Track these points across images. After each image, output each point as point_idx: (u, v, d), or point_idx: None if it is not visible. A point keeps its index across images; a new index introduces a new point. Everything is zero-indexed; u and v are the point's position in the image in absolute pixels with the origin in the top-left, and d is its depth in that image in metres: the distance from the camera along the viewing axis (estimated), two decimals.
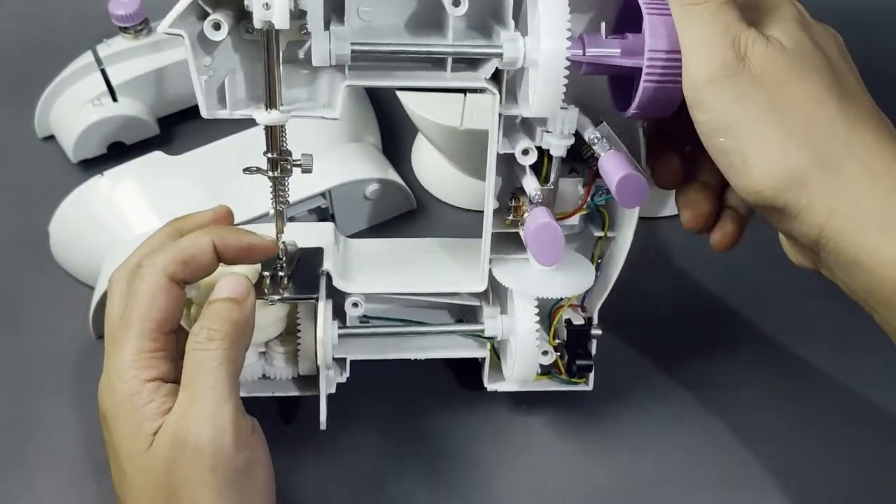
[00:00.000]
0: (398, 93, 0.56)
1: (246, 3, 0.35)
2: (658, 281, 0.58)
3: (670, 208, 0.62)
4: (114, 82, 0.63)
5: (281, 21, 0.35)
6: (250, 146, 0.55)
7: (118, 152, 0.64)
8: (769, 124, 0.35)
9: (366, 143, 0.61)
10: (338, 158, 0.58)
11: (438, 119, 0.55)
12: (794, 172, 0.35)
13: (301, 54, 0.38)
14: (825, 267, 0.38)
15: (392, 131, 0.66)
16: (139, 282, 0.40)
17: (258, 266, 0.44)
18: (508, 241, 0.46)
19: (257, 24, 0.35)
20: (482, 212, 0.44)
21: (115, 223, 0.54)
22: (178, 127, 0.67)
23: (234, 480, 0.37)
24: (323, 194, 0.56)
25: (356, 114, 0.62)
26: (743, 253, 0.59)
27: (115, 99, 0.63)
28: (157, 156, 0.57)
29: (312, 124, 0.51)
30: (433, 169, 0.63)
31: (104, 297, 0.50)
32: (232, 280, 0.41)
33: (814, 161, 0.35)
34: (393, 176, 0.59)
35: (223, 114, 0.39)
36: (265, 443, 0.40)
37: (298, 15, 0.36)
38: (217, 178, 0.55)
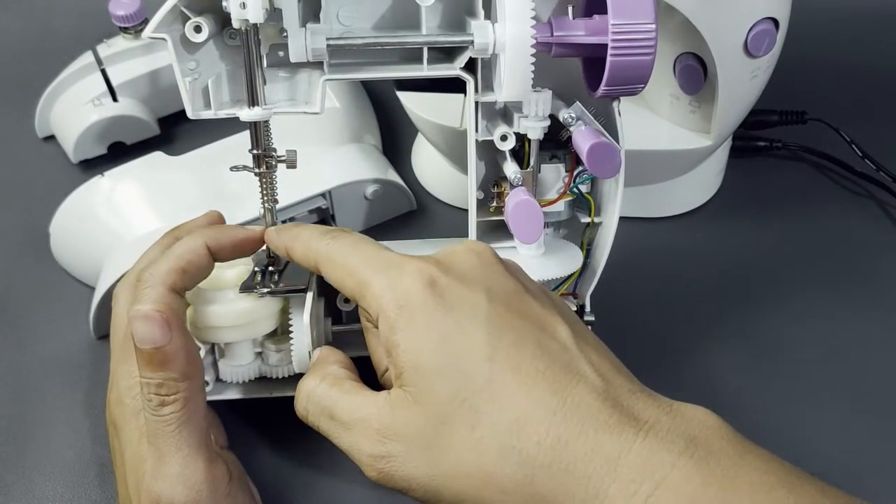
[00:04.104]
0: (398, 93, 0.56)
1: (224, 4, 0.37)
2: (657, 280, 0.58)
3: (670, 208, 0.62)
4: (114, 82, 0.63)
5: (255, 16, 0.36)
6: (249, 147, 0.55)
7: (118, 152, 0.64)
8: None
9: (366, 144, 0.61)
10: (338, 159, 0.58)
11: (438, 119, 0.55)
12: None
13: (280, 55, 0.40)
14: None
15: (392, 131, 0.66)
16: (139, 292, 0.40)
17: (250, 265, 0.45)
18: (496, 231, 0.46)
19: (235, 23, 0.37)
20: None
21: (116, 223, 0.54)
22: (178, 127, 0.67)
23: None
24: (323, 195, 0.56)
25: (356, 114, 0.62)
26: (741, 253, 0.60)
27: (115, 99, 0.63)
28: (157, 156, 0.57)
29: (312, 125, 0.51)
30: (433, 169, 0.63)
31: (105, 297, 0.50)
32: (144, 323, 0.37)
33: None
34: (393, 176, 0.59)
35: (208, 114, 0.41)
36: (246, 484, 0.41)
37: (276, 17, 0.38)
38: (217, 179, 0.55)
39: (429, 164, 0.64)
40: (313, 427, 0.38)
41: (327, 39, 0.39)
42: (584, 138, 0.41)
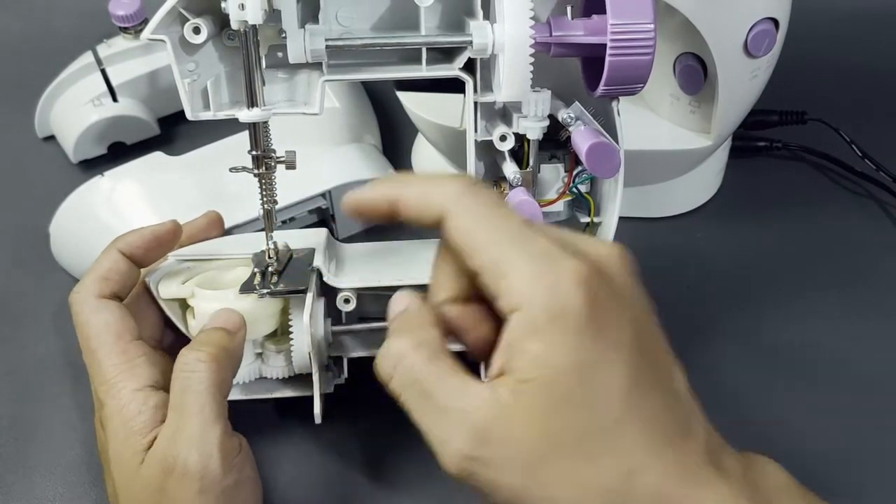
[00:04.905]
0: (398, 93, 0.56)
1: (223, 5, 0.37)
2: (657, 280, 0.57)
3: (670, 208, 0.62)
4: (114, 82, 0.63)
5: (254, 17, 0.36)
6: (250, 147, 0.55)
7: (118, 152, 0.64)
8: None
9: (366, 143, 0.61)
10: (338, 158, 0.58)
11: (438, 119, 0.55)
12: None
13: (279, 55, 0.40)
14: None
15: (392, 131, 0.66)
16: (74, 313, 0.42)
17: (250, 266, 0.45)
18: None
19: (234, 24, 0.37)
20: None
21: (116, 223, 0.54)
22: (178, 127, 0.67)
23: (222, 501, 0.38)
24: (323, 195, 0.56)
25: (356, 114, 0.62)
26: (741, 253, 0.60)
27: (115, 99, 0.63)
28: (157, 156, 0.57)
29: (312, 125, 0.51)
30: (433, 169, 0.63)
31: None
32: (226, 314, 0.42)
33: None
34: None
35: (207, 115, 0.41)
36: (253, 460, 0.41)
37: (275, 18, 0.38)
38: (217, 179, 0.55)
39: (429, 164, 0.64)
40: (393, 393, 0.34)
41: (326, 40, 0.39)
42: (582, 138, 0.41)
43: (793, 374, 0.52)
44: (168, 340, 0.46)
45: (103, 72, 0.63)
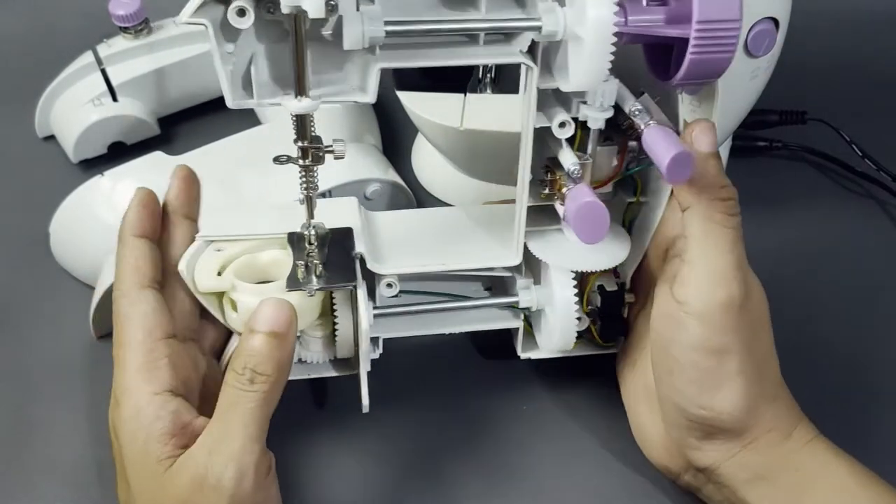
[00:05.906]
0: (398, 93, 0.56)
1: None
2: None
3: None
4: (114, 82, 0.63)
5: (315, 10, 0.32)
6: (250, 146, 0.55)
7: (118, 152, 0.64)
8: (748, 359, 0.40)
9: (366, 143, 0.61)
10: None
11: (438, 119, 0.55)
12: (754, 402, 0.40)
13: (325, 34, 0.36)
14: (699, 478, 0.44)
15: (392, 131, 0.66)
16: (115, 309, 0.42)
17: (285, 248, 0.44)
18: (541, 213, 0.44)
19: (285, 9, 0.33)
20: None
21: (116, 223, 0.53)
22: (178, 127, 0.67)
23: None
24: (323, 194, 0.56)
25: (356, 114, 0.62)
26: (752, 250, 0.60)
27: (115, 99, 0.63)
28: (157, 156, 0.57)
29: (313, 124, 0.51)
30: (433, 169, 0.63)
31: (104, 297, 0.50)
32: (274, 310, 0.40)
33: (764, 395, 0.41)
34: (393, 176, 0.59)
35: (251, 103, 0.37)
36: (276, 478, 0.41)
37: None
38: (217, 179, 0.55)
39: (429, 163, 0.64)
40: None
41: (385, 24, 0.35)
42: (662, 146, 0.38)
43: (791, 374, 0.52)
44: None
45: (103, 72, 0.63)
